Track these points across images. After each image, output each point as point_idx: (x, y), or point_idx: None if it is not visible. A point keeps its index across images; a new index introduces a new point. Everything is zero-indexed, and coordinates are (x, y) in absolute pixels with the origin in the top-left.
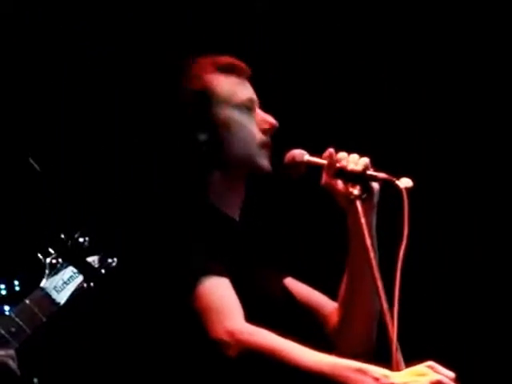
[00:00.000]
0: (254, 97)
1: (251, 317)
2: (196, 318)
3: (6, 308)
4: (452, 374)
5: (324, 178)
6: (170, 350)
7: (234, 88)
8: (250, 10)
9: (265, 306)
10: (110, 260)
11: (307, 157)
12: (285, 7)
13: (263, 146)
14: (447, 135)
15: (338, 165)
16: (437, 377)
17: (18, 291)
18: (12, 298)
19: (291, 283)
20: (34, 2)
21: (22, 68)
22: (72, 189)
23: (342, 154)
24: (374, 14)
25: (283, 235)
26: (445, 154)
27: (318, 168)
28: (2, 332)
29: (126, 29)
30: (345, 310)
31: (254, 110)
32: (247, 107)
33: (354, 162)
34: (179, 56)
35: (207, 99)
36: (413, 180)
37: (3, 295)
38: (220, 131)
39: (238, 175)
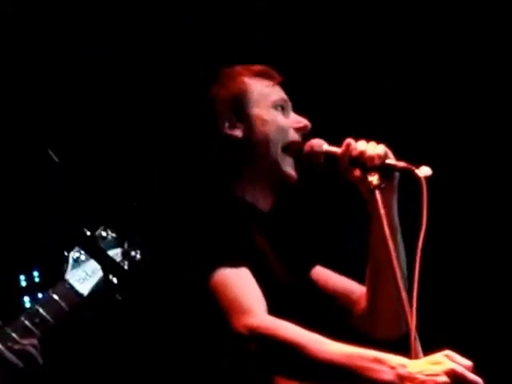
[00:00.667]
0: (287, 98)
1: (271, 308)
2: (214, 308)
3: (26, 299)
4: (469, 363)
5: (342, 168)
6: (190, 339)
7: (269, 90)
8: (250, 9)
9: (285, 297)
10: (133, 253)
11: (326, 146)
12: (285, 7)
13: (294, 150)
14: (466, 123)
15: (354, 153)
16: (451, 366)
17: (37, 282)
18: (31, 289)
19: (320, 272)
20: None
21: (41, 60)
22: (95, 182)
23: (359, 143)
24: (378, 11)
25: (313, 225)
26: (465, 142)
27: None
28: (26, 323)
29: (127, 28)
30: (371, 295)
31: (288, 111)
32: (281, 106)
33: (373, 149)
34: (183, 55)
35: (245, 99)
36: (432, 168)
37: (23, 286)
38: (255, 128)
39: (264, 169)
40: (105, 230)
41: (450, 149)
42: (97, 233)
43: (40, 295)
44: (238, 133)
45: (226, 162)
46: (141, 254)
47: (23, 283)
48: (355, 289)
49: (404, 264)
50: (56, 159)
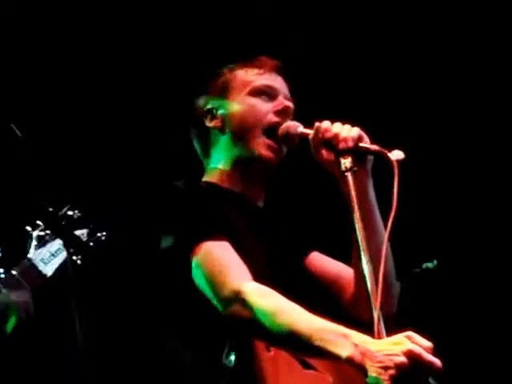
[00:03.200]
0: (275, 85)
1: None
2: (199, 280)
3: None
4: (429, 344)
5: (313, 150)
6: (173, 310)
7: (252, 77)
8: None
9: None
10: (99, 234)
11: (301, 129)
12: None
13: (269, 133)
14: (441, 106)
15: (328, 135)
16: (409, 346)
17: None
18: None
19: (315, 257)
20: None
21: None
22: (63, 160)
23: (334, 125)
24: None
25: (306, 214)
26: (438, 126)
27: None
28: None
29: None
30: (357, 279)
31: (275, 98)
32: (264, 93)
33: (347, 132)
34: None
35: (225, 89)
36: (405, 152)
37: None
38: (232, 117)
39: (247, 161)
40: (71, 209)
41: (425, 133)
42: (62, 211)
43: (1, 271)
44: (218, 123)
45: (210, 152)
46: (106, 235)
47: None
48: (347, 274)
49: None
50: (19, 134)
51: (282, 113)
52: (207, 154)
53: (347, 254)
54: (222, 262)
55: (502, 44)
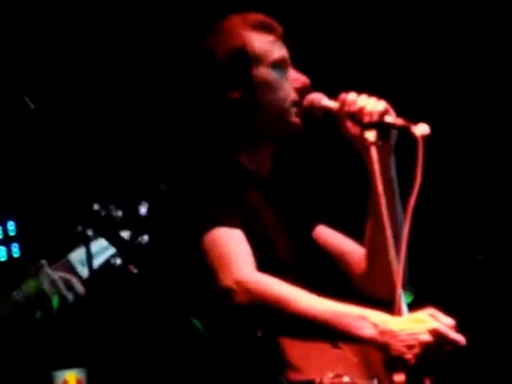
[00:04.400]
0: (287, 55)
1: (264, 269)
2: (206, 265)
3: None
4: (452, 322)
5: (338, 123)
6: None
7: (270, 47)
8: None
9: (283, 259)
10: (141, 237)
11: (325, 101)
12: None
13: (294, 104)
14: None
15: (353, 109)
16: (434, 325)
17: (12, 236)
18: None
19: (322, 231)
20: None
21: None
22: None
23: (360, 98)
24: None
25: (313, 186)
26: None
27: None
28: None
29: None
30: (370, 255)
31: (287, 69)
32: (282, 66)
33: (373, 105)
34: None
35: (244, 57)
36: (430, 126)
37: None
38: (256, 90)
39: (269, 133)
40: (116, 208)
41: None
42: (106, 211)
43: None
44: (237, 95)
45: (224, 124)
46: (149, 238)
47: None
48: (355, 249)
49: (401, 221)
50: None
51: (301, 89)
52: (223, 126)
53: (351, 229)
54: (224, 252)
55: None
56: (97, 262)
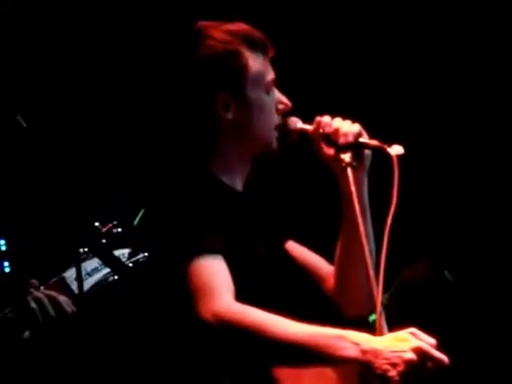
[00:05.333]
0: (274, 77)
1: (248, 289)
2: (188, 296)
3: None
4: (433, 341)
5: (314, 146)
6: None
7: (263, 68)
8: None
9: (263, 277)
10: (140, 255)
11: (300, 124)
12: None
13: (276, 127)
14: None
15: (328, 130)
16: (418, 343)
17: (3, 251)
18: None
19: (292, 247)
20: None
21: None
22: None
23: (335, 120)
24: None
25: (284, 202)
26: (438, 121)
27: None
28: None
29: None
30: (341, 274)
31: (273, 90)
32: (271, 88)
33: (348, 127)
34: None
35: (241, 77)
36: (404, 147)
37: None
38: (250, 111)
39: (248, 151)
40: (115, 226)
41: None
42: (105, 229)
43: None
44: (230, 115)
45: (207, 139)
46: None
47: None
48: (323, 266)
49: (372, 242)
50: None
51: (284, 111)
52: (206, 141)
53: (318, 246)
54: (204, 283)
55: (502, 40)
56: (94, 278)
